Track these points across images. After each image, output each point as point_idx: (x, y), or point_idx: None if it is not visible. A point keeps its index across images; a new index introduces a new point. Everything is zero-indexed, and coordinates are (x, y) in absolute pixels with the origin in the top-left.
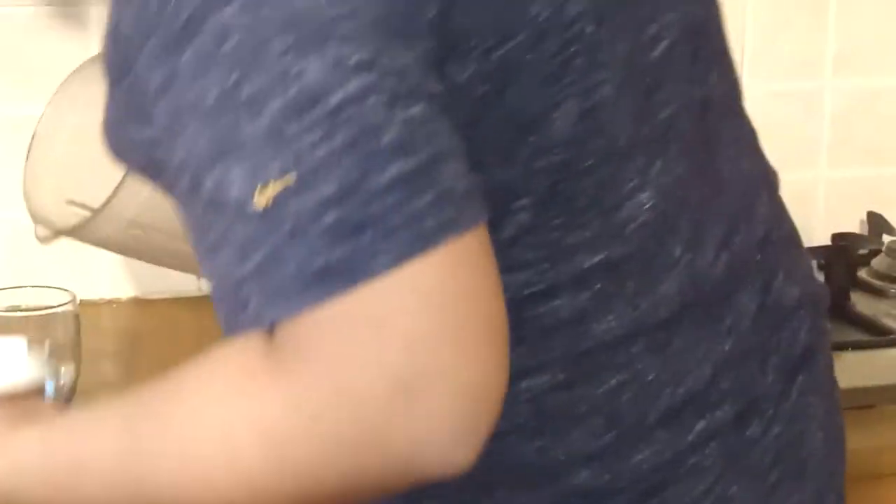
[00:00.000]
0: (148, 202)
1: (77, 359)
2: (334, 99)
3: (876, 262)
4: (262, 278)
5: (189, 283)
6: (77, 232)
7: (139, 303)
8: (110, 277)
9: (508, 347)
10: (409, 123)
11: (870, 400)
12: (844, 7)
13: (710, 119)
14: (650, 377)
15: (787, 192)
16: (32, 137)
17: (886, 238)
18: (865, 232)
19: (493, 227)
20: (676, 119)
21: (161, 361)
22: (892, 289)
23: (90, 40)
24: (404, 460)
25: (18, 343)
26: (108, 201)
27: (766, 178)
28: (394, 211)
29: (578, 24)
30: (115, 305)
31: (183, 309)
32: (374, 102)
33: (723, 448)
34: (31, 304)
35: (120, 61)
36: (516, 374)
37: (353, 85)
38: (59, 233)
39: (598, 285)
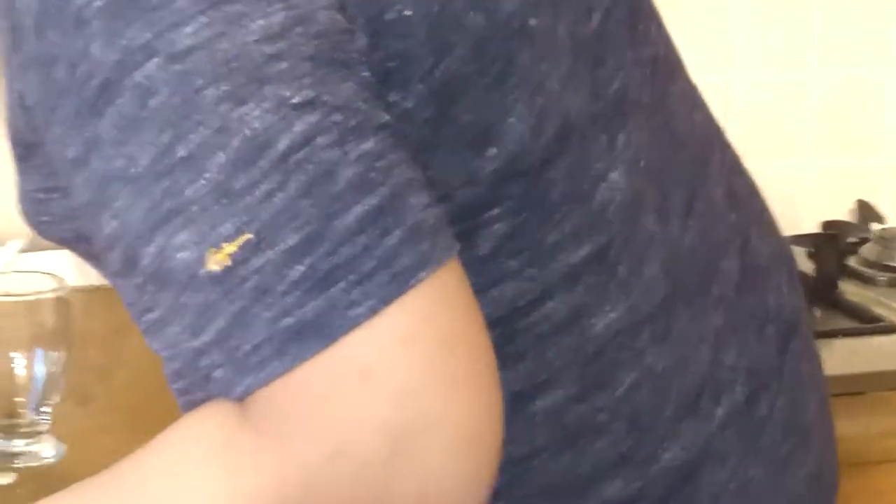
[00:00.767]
0: None
1: (67, 345)
2: (281, 145)
3: (865, 250)
4: (227, 346)
5: None
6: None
7: None
8: None
9: (499, 381)
10: (364, 159)
11: (859, 387)
12: None
13: (660, 77)
14: (660, 368)
15: (776, 181)
16: None
17: (875, 226)
18: (855, 220)
19: (469, 244)
20: (627, 88)
21: (150, 349)
22: (881, 276)
23: None
24: None
25: None
26: None
27: (718, 132)
28: (364, 254)
29: (517, 20)
30: (105, 291)
31: None
32: (324, 142)
33: (739, 430)
34: (22, 289)
35: (27, 136)
36: (527, 394)
37: (299, 127)
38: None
39: (590, 279)
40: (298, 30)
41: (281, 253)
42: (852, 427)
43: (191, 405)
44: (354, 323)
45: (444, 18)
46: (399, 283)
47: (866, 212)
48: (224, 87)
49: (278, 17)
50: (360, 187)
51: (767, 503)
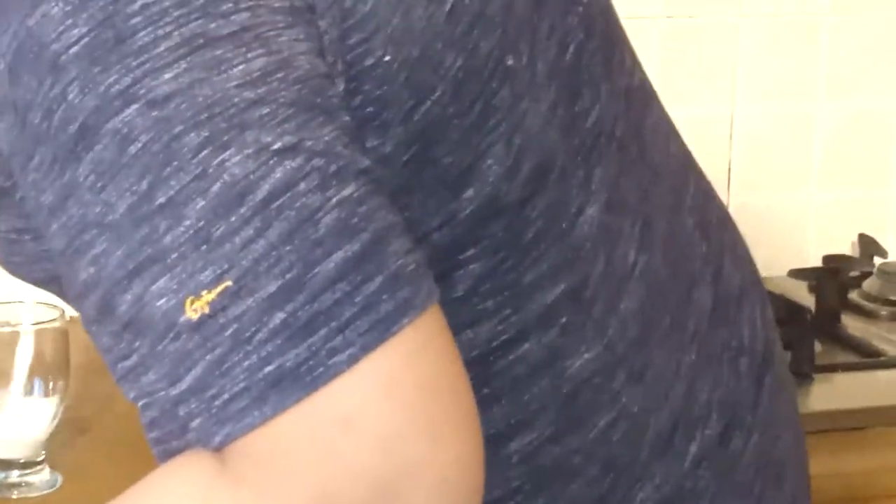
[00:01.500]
0: None
1: (66, 375)
2: (262, 191)
3: (867, 285)
4: (205, 395)
5: None
6: None
7: None
8: None
9: (480, 426)
10: (345, 205)
11: (861, 422)
12: (837, 30)
13: (635, 108)
14: (636, 409)
15: (778, 214)
16: None
17: (878, 260)
18: (857, 254)
19: (445, 285)
20: (604, 121)
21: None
22: (883, 311)
23: None
24: None
25: None
26: None
27: (692, 161)
28: (345, 301)
29: (494, 59)
30: None
31: None
32: (305, 188)
33: (713, 467)
34: (20, 319)
35: (1, 181)
36: (502, 435)
37: (280, 173)
38: None
39: (564, 318)
40: (279, 75)
41: (261, 300)
42: (854, 462)
43: (167, 455)
44: (336, 371)
45: (423, 61)
46: (380, 331)
47: (868, 246)
48: (204, 133)
49: (259, 63)
50: (341, 233)
51: None
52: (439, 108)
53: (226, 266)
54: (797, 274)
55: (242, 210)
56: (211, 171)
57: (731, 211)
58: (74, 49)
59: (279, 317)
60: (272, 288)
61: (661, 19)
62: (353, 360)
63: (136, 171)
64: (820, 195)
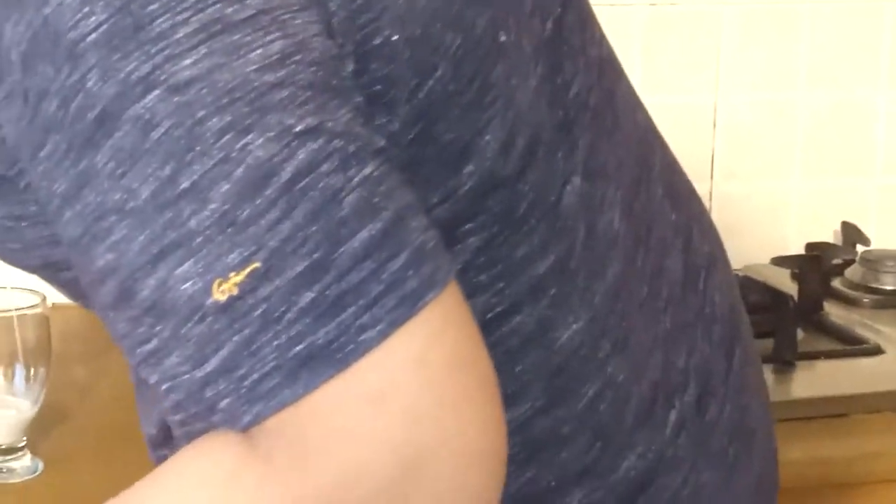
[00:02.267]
0: None
1: (47, 361)
2: (286, 173)
3: (850, 272)
4: (234, 375)
5: None
6: None
7: None
8: None
9: (500, 393)
10: (367, 184)
11: (842, 409)
12: (817, 19)
13: (608, 77)
14: (620, 378)
15: (761, 202)
16: None
17: (860, 248)
18: (839, 242)
19: None
20: (584, 92)
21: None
22: (866, 298)
23: None
24: None
25: None
26: None
27: (657, 132)
28: (372, 279)
29: (489, 36)
30: (85, 308)
31: None
32: (328, 169)
33: (691, 435)
34: (1, 305)
35: (2, 170)
36: None
37: (303, 154)
38: None
39: (554, 289)
40: (297, 57)
41: (289, 280)
42: (835, 449)
43: (191, 437)
44: (367, 347)
45: (425, 40)
46: (407, 306)
47: (851, 233)
48: (226, 118)
49: (276, 46)
50: (363, 212)
51: None
52: (441, 86)
53: (253, 248)
54: (780, 261)
55: (268, 192)
56: (234, 154)
57: (715, 199)
58: (93, 37)
59: (308, 296)
60: (300, 268)
61: (644, 7)
62: (383, 336)
63: (158, 156)
64: (803, 183)
